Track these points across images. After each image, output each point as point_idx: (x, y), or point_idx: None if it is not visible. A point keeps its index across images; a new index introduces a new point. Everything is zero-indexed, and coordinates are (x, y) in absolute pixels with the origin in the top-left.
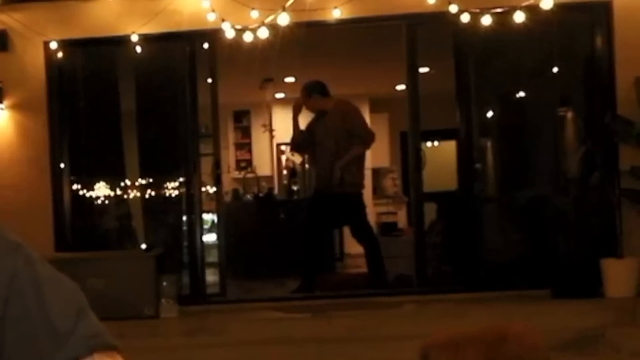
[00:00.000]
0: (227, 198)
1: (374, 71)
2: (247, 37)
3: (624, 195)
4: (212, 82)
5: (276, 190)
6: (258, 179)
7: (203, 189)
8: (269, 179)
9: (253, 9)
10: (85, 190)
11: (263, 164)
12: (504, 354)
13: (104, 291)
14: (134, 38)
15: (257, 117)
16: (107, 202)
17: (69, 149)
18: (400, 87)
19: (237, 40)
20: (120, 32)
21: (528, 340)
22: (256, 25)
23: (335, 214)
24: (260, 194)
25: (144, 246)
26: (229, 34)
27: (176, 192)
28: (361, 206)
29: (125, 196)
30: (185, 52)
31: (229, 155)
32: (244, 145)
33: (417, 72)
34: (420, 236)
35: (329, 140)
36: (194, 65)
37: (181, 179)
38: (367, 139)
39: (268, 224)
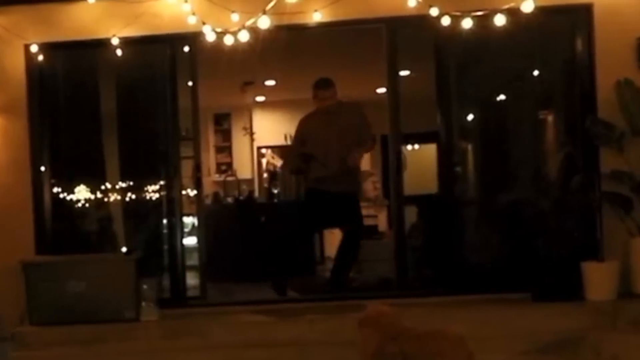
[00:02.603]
0: (208, 201)
1: (354, 74)
2: (228, 40)
3: (604, 198)
4: (193, 85)
5: (257, 193)
6: (238, 182)
7: (183, 192)
8: (250, 182)
9: (233, 12)
10: (65, 193)
11: (243, 167)
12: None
13: (85, 294)
14: (115, 41)
15: (238, 120)
16: (87, 205)
17: (50, 152)
18: (381, 90)
19: (218, 43)
20: (100, 35)
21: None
22: (237, 28)
23: (336, 212)
24: (241, 197)
25: (124, 249)
26: (210, 37)
27: (156, 195)
28: (360, 206)
29: (106, 199)
30: (166, 55)
31: (210, 159)
32: (225, 148)
33: (398, 75)
34: (401, 239)
35: (342, 142)
36: (174, 68)
37: (161, 182)
38: (374, 139)
39: (249, 227)
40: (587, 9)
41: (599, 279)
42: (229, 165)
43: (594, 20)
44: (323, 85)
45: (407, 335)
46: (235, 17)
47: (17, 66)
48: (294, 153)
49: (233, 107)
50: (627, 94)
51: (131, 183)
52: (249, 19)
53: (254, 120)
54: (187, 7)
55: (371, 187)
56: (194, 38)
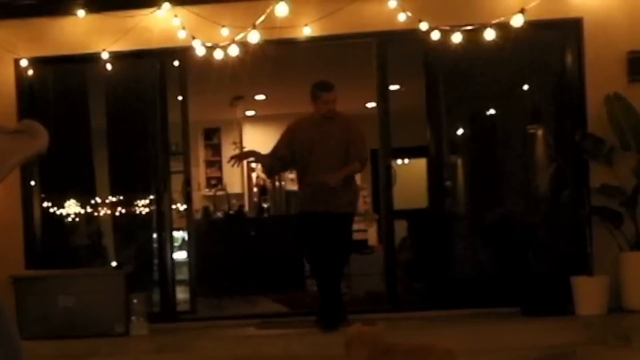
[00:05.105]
0: (198, 215)
1: (344, 89)
2: (218, 54)
3: (594, 213)
4: (183, 100)
5: (246, 208)
6: (228, 196)
7: (173, 206)
8: (240, 196)
9: (223, 26)
10: (55, 208)
11: (233, 182)
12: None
13: (75, 309)
14: (105, 55)
15: (228, 134)
16: (77, 219)
17: (39, 167)
18: (371, 104)
19: (208, 58)
20: (90, 50)
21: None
22: (227, 42)
23: (326, 233)
24: (231, 212)
25: (114, 264)
26: (200, 51)
27: (146, 209)
28: (350, 228)
29: (96, 214)
30: (156, 70)
31: (200, 173)
32: (214, 162)
33: (388, 89)
34: (391, 254)
35: (332, 155)
36: (164, 83)
37: (151, 197)
38: (365, 159)
39: (238, 242)
40: (577, 24)
41: (588, 293)
42: (219, 179)
43: (584, 35)
44: (326, 87)
45: (396, 350)
46: (225, 32)
47: (7, 81)
48: (273, 155)
49: (223, 122)
50: (617, 108)
51: (121, 197)
52: (238, 33)
53: (243, 134)
54: (177, 22)
55: (361, 201)
56: (183, 52)
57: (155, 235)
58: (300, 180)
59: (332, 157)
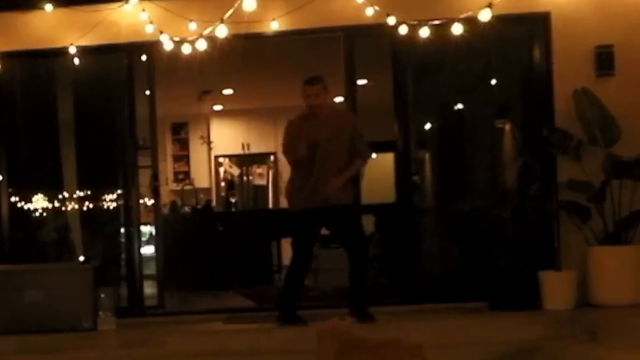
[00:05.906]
0: (165, 210)
1: None
2: (186, 49)
3: (562, 207)
4: (150, 94)
5: (214, 203)
6: (196, 191)
7: (141, 201)
8: (207, 191)
9: (191, 20)
10: (23, 203)
11: (201, 176)
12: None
13: (42, 303)
14: (72, 50)
15: (195, 129)
16: (45, 214)
17: (7, 161)
18: (339, 99)
19: (175, 52)
20: (58, 44)
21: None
22: (194, 37)
23: (330, 227)
24: (198, 206)
25: (81, 258)
26: (167, 45)
27: (114, 204)
28: (354, 217)
29: (63, 208)
30: (123, 64)
31: (167, 168)
32: (182, 157)
33: (355, 84)
34: None
35: (340, 151)
36: (132, 77)
37: (119, 191)
38: (368, 154)
39: (206, 236)
40: (545, 18)
41: (556, 288)
42: (187, 174)
43: (552, 30)
44: (308, 80)
45: (364, 345)
46: (192, 26)
47: None
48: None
49: (191, 116)
50: (585, 102)
51: (89, 192)
52: (206, 27)
53: (211, 129)
54: (144, 16)
55: None
56: (151, 47)
57: (122, 230)
58: (297, 176)
59: (340, 153)
